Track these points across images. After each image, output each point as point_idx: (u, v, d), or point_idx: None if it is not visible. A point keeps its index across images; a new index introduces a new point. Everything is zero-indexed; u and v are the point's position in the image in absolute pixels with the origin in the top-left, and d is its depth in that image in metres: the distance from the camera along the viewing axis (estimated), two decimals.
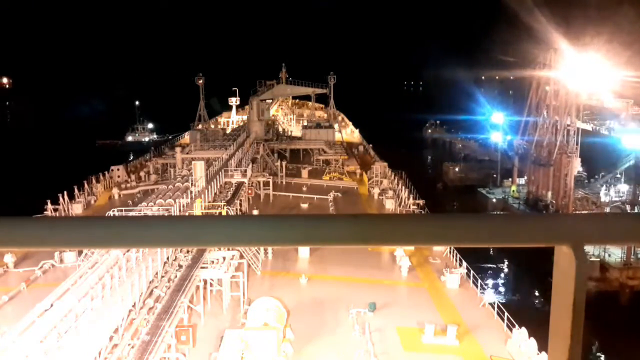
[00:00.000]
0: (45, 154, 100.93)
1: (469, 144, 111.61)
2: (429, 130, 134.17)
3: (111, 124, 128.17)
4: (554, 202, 62.32)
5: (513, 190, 69.92)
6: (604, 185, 64.39)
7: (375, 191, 51.92)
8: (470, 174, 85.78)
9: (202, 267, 28.40)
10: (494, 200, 70.45)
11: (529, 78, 68.20)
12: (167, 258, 28.48)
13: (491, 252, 52.25)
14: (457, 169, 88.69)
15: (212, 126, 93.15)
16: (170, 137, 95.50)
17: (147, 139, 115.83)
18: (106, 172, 55.22)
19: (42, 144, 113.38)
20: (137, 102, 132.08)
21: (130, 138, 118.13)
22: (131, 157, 76.51)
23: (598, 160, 69.63)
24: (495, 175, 78.31)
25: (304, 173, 58.15)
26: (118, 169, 57.23)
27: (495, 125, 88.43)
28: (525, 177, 71.16)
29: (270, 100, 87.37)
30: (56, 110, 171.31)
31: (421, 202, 47.63)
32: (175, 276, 27.32)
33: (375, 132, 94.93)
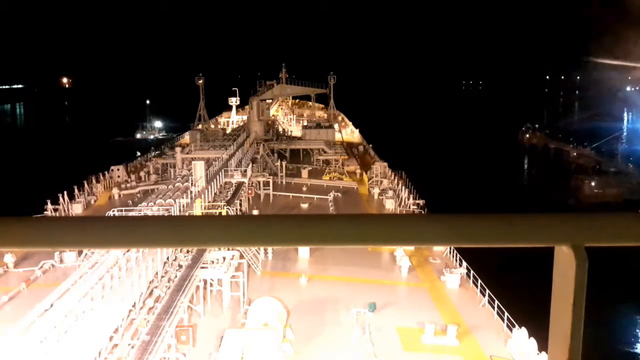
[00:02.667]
0: (48, 153, 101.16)
1: (585, 153, 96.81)
2: (527, 135, 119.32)
3: (123, 122, 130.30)
4: None
5: None
6: None
7: (375, 191, 51.88)
8: (608, 189, 73.48)
9: (202, 267, 28.40)
10: None
11: None
12: (167, 258, 28.48)
13: (491, 252, 51.98)
14: (593, 184, 75.99)
15: (212, 126, 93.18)
16: (175, 136, 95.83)
17: (152, 137, 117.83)
18: (106, 172, 55.15)
19: (48, 144, 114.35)
20: (147, 101, 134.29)
21: (138, 136, 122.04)
22: (138, 155, 76.24)
23: None
24: None
25: (304, 173, 58.09)
26: (118, 169, 57.15)
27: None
28: None
29: (270, 100, 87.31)
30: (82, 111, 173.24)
31: (421, 202, 47.58)
32: (175, 276, 27.30)
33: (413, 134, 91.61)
